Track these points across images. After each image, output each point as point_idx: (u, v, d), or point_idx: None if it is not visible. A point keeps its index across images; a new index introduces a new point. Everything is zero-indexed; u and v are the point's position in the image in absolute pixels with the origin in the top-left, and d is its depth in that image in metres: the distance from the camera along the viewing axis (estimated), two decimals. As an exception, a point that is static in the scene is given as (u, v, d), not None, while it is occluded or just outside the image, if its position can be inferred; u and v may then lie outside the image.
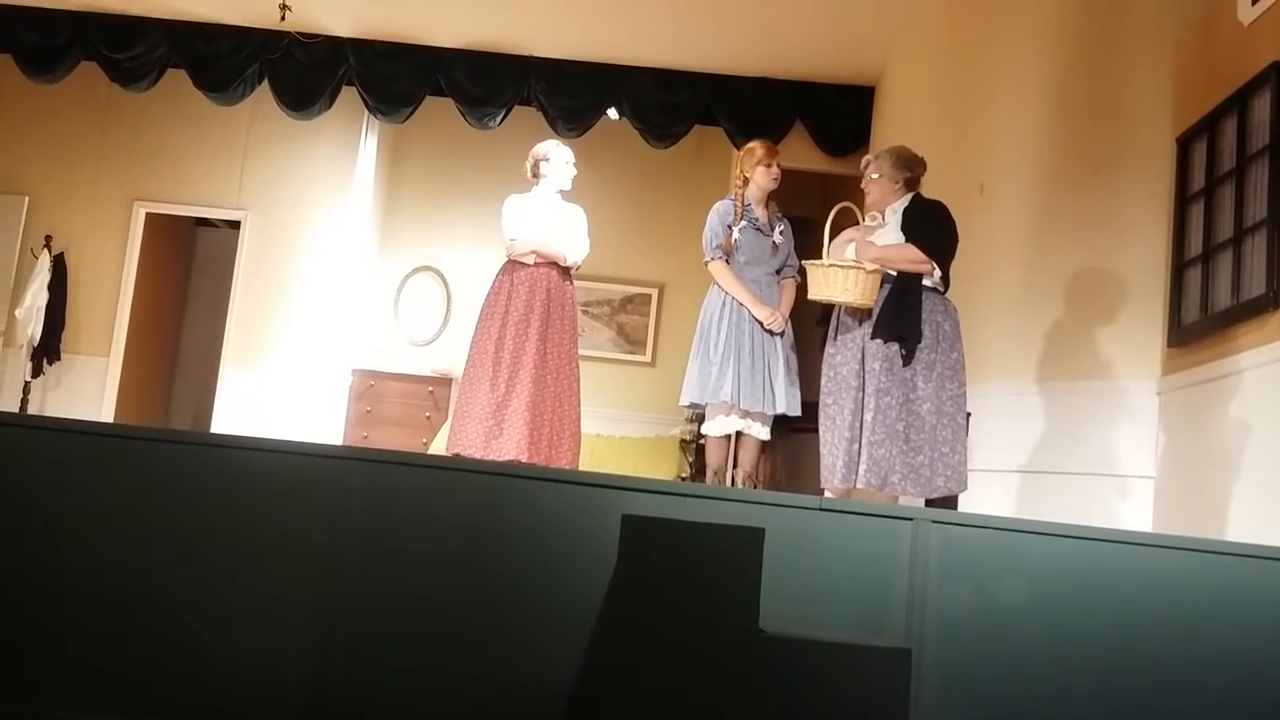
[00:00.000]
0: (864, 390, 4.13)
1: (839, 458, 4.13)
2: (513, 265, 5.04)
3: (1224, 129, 4.64)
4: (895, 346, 4.12)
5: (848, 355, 4.23)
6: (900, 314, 4.13)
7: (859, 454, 4.08)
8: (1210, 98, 4.71)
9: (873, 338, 4.15)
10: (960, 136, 5.95)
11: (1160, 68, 5.15)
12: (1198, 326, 4.68)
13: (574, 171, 5.17)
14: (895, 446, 4.05)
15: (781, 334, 4.80)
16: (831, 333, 4.35)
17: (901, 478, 4.04)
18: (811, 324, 5.25)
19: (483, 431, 4.81)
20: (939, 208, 4.35)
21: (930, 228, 4.27)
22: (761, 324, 4.72)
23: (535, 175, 5.17)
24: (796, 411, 4.76)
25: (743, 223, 4.83)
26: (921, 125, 6.47)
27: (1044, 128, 5.46)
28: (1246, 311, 4.27)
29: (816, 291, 4.24)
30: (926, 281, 4.21)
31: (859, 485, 4.06)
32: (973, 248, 5.42)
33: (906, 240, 4.24)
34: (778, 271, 4.93)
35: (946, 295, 4.27)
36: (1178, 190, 5.00)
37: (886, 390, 4.09)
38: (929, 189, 4.52)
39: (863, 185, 4.49)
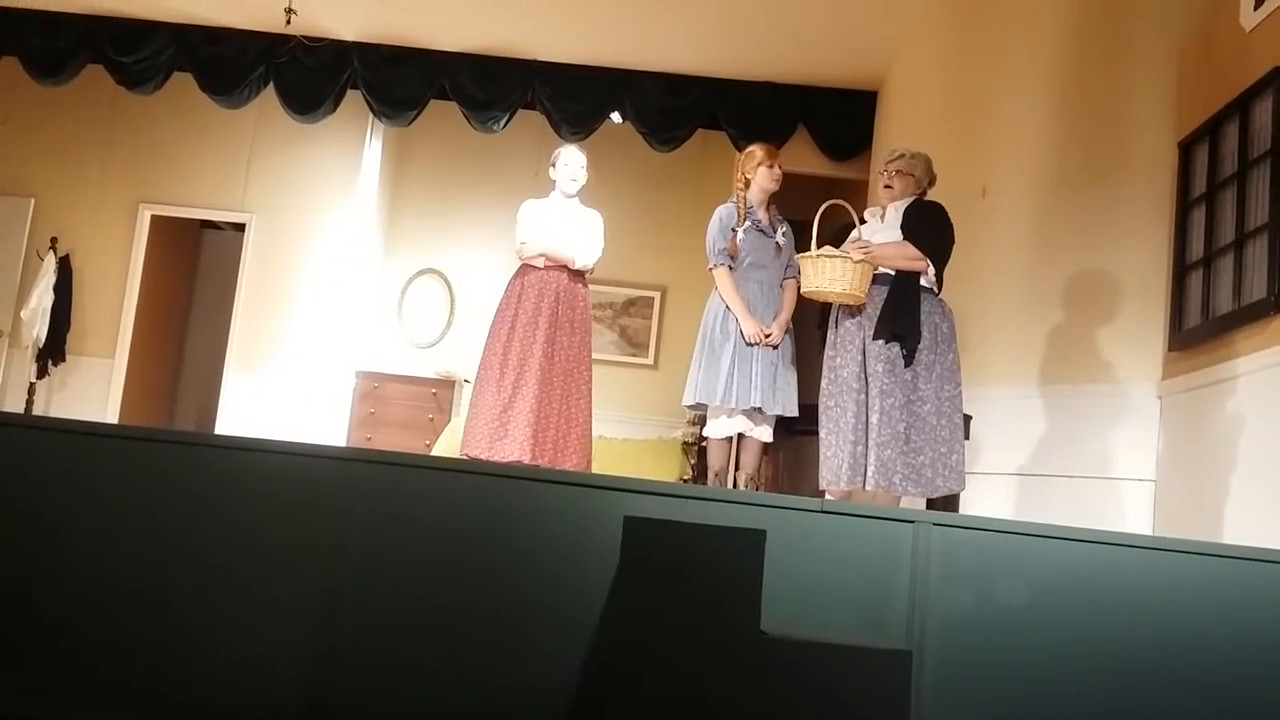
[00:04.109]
0: (867, 392, 4.14)
1: (844, 460, 4.13)
2: (525, 269, 5.09)
3: (1226, 134, 4.65)
4: (896, 348, 4.13)
5: (848, 358, 4.23)
6: (899, 314, 4.15)
7: (864, 456, 4.09)
8: (1212, 103, 4.71)
9: (874, 339, 4.16)
10: (963, 140, 5.96)
11: (1162, 73, 5.16)
12: (1199, 330, 4.68)
13: (576, 175, 5.17)
14: (898, 448, 4.06)
15: (776, 347, 4.78)
16: (831, 335, 4.36)
17: (903, 478, 4.05)
18: (811, 326, 5.24)
19: (489, 433, 4.85)
20: (939, 209, 4.37)
21: (930, 227, 4.29)
22: (744, 337, 4.66)
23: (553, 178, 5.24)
24: (794, 412, 4.76)
25: (746, 224, 4.84)
26: (924, 129, 6.49)
27: (1046, 132, 5.48)
28: (1247, 315, 4.28)
29: (808, 284, 4.28)
30: (922, 281, 4.23)
31: (868, 488, 4.07)
32: (976, 251, 5.44)
33: (904, 239, 4.25)
34: (784, 270, 4.93)
35: (940, 296, 4.29)
36: (1179, 195, 5.01)
37: (890, 392, 4.10)
38: (933, 191, 4.53)
39: (887, 177, 4.45)
